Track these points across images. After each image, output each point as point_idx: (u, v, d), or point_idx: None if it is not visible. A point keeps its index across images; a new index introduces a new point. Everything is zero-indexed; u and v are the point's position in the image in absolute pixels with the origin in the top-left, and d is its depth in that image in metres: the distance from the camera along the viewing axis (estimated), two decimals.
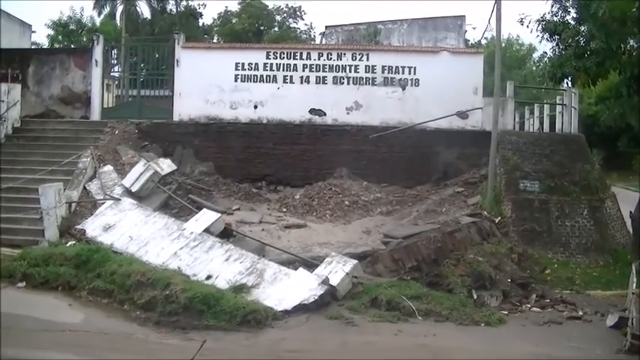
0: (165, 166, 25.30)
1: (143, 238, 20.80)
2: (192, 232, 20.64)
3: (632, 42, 24.07)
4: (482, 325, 17.39)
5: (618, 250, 25.48)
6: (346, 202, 26.94)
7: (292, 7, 79.79)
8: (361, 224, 25.07)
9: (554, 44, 25.28)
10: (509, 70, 71.65)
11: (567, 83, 28.24)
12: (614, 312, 18.14)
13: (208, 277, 18.52)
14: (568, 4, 24.59)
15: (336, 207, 26.68)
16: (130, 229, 21.34)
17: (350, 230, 24.36)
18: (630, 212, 24.58)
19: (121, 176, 24.98)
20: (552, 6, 24.67)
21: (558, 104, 32.41)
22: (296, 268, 18.95)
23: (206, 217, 21.40)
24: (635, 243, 23.70)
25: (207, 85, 30.58)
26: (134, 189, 23.82)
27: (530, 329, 17.51)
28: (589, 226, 25.30)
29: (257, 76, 30.59)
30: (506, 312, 18.75)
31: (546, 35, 25.11)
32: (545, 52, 26.78)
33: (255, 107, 30.39)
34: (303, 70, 30.49)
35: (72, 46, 63.50)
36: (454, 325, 17.21)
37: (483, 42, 60.88)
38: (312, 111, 30.17)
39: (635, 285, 16.57)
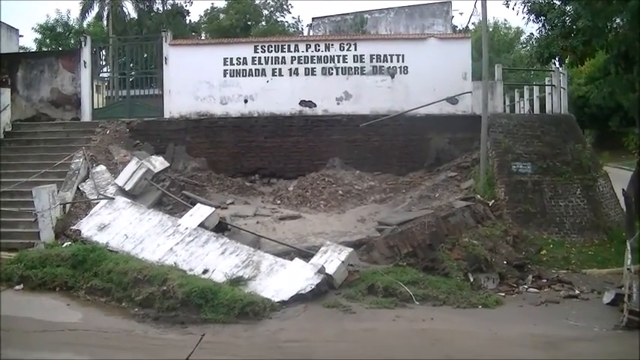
0: (158, 163, 25.24)
1: (138, 235, 20.80)
2: (187, 228, 20.64)
3: (618, 20, 24.06)
4: (480, 307, 17.49)
5: (613, 228, 25.65)
6: (340, 192, 26.97)
7: (279, 0, 79.77)
8: (355, 213, 25.10)
9: (541, 25, 25.25)
10: (497, 54, 71.70)
11: (555, 64, 28.24)
12: (610, 289, 18.28)
13: (205, 272, 18.54)
14: None
15: (329, 197, 26.71)
16: (125, 227, 21.33)
17: (344, 219, 24.38)
18: (623, 190, 24.58)
19: (114, 175, 24.96)
20: None
21: (547, 85, 32.50)
22: (292, 259, 18.98)
23: (200, 212, 21.41)
24: (628, 220, 23.76)
25: (196, 81, 30.48)
26: (127, 187, 23.79)
27: (528, 309, 17.61)
28: (583, 205, 25.48)
29: (246, 70, 30.48)
30: (504, 294, 18.86)
31: (532, 16, 25.07)
32: (532, 34, 26.69)
33: (246, 101, 30.31)
34: (292, 63, 30.40)
35: (60, 48, 63.35)
36: (451, 308, 17.28)
37: (471, 27, 61.02)
38: (302, 103, 30.09)
39: (630, 262, 16.62)
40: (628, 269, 16.56)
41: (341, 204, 26.36)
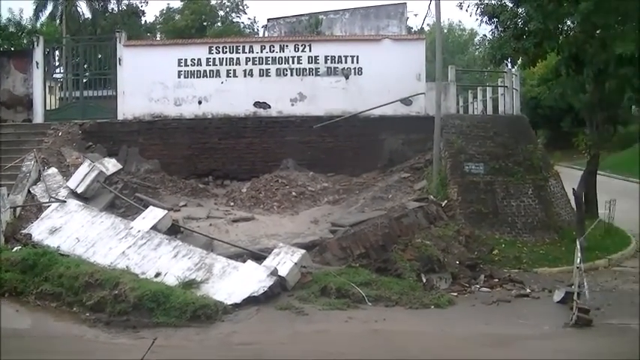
0: (111, 165, 25.04)
1: (90, 239, 20.53)
2: (139, 231, 20.46)
3: (568, 22, 24.44)
4: (432, 307, 17.56)
5: (563, 227, 25.99)
6: (293, 193, 26.93)
7: (235, 1, 79.61)
8: (309, 214, 25.08)
9: (493, 27, 25.72)
10: (452, 56, 72.30)
11: (508, 65, 28.56)
12: (560, 288, 18.51)
13: (157, 275, 18.40)
14: None
15: (283, 198, 26.65)
16: (77, 230, 21.05)
17: (298, 221, 24.36)
18: (573, 189, 25.04)
19: (66, 178, 24.67)
20: None
21: (500, 86, 32.68)
22: (244, 261, 18.93)
23: (153, 214, 21.25)
24: (578, 219, 24.17)
25: (150, 82, 30.25)
26: (80, 190, 23.54)
27: (480, 309, 17.75)
28: (534, 205, 25.71)
29: (200, 71, 30.34)
30: (456, 293, 18.97)
31: (485, 18, 25.52)
32: (485, 35, 27.07)
33: (200, 103, 30.18)
34: (246, 64, 30.31)
35: (12, 48, 62.57)
36: (404, 309, 17.34)
37: (426, 28, 61.42)
38: (257, 104, 30.03)
39: (579, 260, 16.85)
40: (578, 267, 16.77)
41: (294, 205, 26.32)
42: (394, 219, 21.30)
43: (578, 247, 17.34)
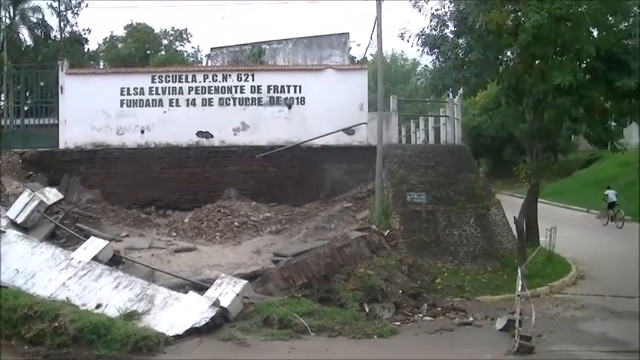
0: (52, 195, 24.67)
1: (30, 270, 20.14)
2: (80, 261, 20.15)
3: (508, 53, 24.79)
4: (375, 337, 17.56)
5: (505, 256, 26.28)
6: (236, 223, 26.85)
7: (178, 30, 79.43)
8: (251, 244, 25.04)
9: (435, 57, 25.88)
10: (394, 85, 72.82)
11: (449, 95, 28.86)
12: (502, 315, 18.69)
13: (98, 306, 18.13)
14: (446, 18, 25.19)
15: (225, 228, 26.56)
16: (16, 261, 20.60)
17: (240, 251, 24.29)
18: (515, 218, 25.29)
19: (6, 208, 24.20)
20: (431, 20, 25.22)
21: (442, 116, 33.00)
22: (187, 292, 18.77)
23: (94, 244, 20.97)
24: (520, 247, 24.45)
25: (92, 111, 29.97)
26: (19, 220, 23.10)
27: (423, 338, 17.81)
28: (476, 233, 25.90)
29: (143, 100, 30.19)
30: (399, 323, 19.00)
31: (426, 49, 25.68)
32: (427, 66, 27.29)
33: (142, 132, 29.99)
34: (189, 93, 30.23)
35: None
36: (347, 339, 17.29)
37: (369, 58, 61.78)
38: (200, 133, 29.93)
39: (521, 288, 17.01)
40: (519, 295, 16.93)
41: (237, 235, 26.23)
42: (337, 249, 21.34)
43: (520, 274, 17.53)
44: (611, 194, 44.64)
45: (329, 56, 45.72)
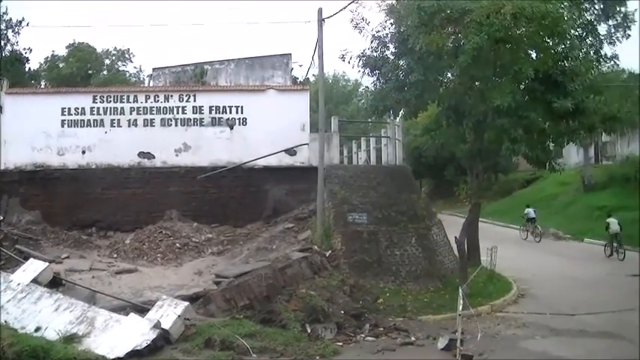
0: None
1: None
2: (19, 284, 19.83)
3: (448, 74, 25.00)
4: (318, 358, 17.55)
5: (447, 275, 26.44)
6: (177, 245, 26.74)
7: (121, 49, 78.85)
8: (193, 266, 24.97)
9: (376, 78, 25.96)
10: (336, 106, 72.89)
11: (390, 116, 29.01)
12: (444, 335, 18.76)
13: (37, 329, 17.87)
14: (387, 40, 25.29)
15: (167, 250, 26.44)
16: None
17: (182, 272, 24.21)
18: (456, 238, 25.48)
19: None
20: (372, 42, 25.31)
21: (383, 137, 33.19)
22: (127, 314, 18.59)
23: (33, 267, 20.66)
24: (461, 267, 24.61)
25: (33, 131, 29.65)
26: None
27: (365, 358, 17.83)
28: (417, 253, 26.04)
29: (84, 120, 29.95)
30: (341, 343, 18.98)
31: (367, 70, 25.77)
32: (368, 87, 27.37)
33: (83, 152, 29.75)
34: (131, 114, 30.09)
35: None
36: None
37: (311, 79, 61.92)
38: (141, 154, 29.78)
39: (462, 307, 17.12)
40: (460, 315, 17.05)
41: (178, 257, 26.12)
42: (278, 270, 21.34)
43: (461, 294, 17.66)
44: (530, 211, 46.25)
45: (271, 77, 45.80)
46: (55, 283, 20.87)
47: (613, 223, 36.78)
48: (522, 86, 23.87)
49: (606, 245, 37.29)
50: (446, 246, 28.74)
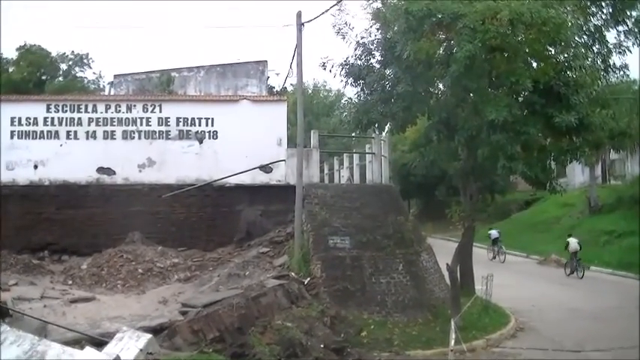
0: None
1: None
2: None
3: (439, 85, 25.03)
4: None
5: (437, 306, 26.35)
6: (140, 270, 26.67)
7: (79, 54, 78.48)
8: (157, 294, 24.88)
9: (360, 89, 25.92)
10: (316, 119, 72.93)
11: (375, 130, 28.96)
12: None
13: None
14: (372, 47, 25.28)
15: (128, 276, 26.36)
16: None
17: (144, 301, 24.11)
18: (447, 264, 25.45)
19: None
20: (356, 49, 25.29)
21: (368, 153, 33.22)
22: (83, 348, 18.47)
23: None
24: (453, 297, 24.57)
25: None
26: None
27: None
28: (405, 281, 26.04)
29: (37, 132, 29.94)
30: None
31: (351, 80, 25.71)
32: (351, 98, 27.23)
33: (36, 167, 29.71)
34: (89, 125, 30.07)
35: None
36: None
37: (289, 88, 61.99)
38: (100, 170, 29.76)
39: (454, 342, 17.14)
40: (452, 350, 17.08)
41: (141, 284, 26.05)
42: (252, 299, 21.32)
43: (454, 326, 17.70)
44: (494, 233, 49.80)
45: (245, 86, 45.96)
46: (1, 314, 20.76)
47: (572, 242, 41.44)
48: (520, 99, 23.88)
49: (566, 264, 41.90)
50: (436, 273, 28.76)
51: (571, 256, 42.03)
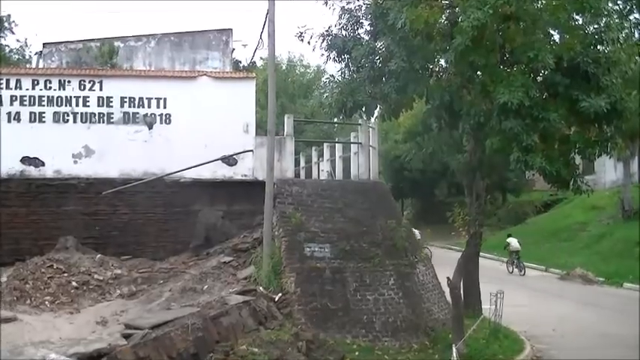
0: None
1: None
2: None
3: (441, 61, 24.95)
4: None
5: (436, 329, 26.46)
6: (74, 284, 26.52)
7: None
8: (95, 312, 24.76)
9: (344, 65, 25.82)
10: (292, 101, 72.65)
11: (362, 115, 28.80)
12: None
13: None
14: (360, 14, 25.21)
15: (59, 290, 26.20)
16: None
17: (79, 321, 23.98)
18: (448, 279, 25.35)
19: None
20: (341, 16, 25.20)
21: (353, 143, 33.20)
22: None
23: None
24: (455, 318, 24.53)
25: None
26: None
27: None
28: (397, 299, 26.12)
29: None
30: None
31: (333, 54, 25.60)
32: (333, 76, 27.08)
33: None
34: (12, 104, 29.69)
35: None
36: None
37: (258, 63, 61.86)
38: (26, 160, 29.45)
39: None
40: None
41: (75, 300, 25.89)
42: (210, 319, 21.33)
43: (455, 355, 17.76)
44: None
45: (205, 60, 45.83)
46: None
47: (513, 241, 47.74)
48: (539, 78, 23.88)
49: (507, 262, 48.43)
50: (435, 289, 28.82)
51: (511, 255, 49.65)
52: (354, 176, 32.21)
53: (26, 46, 76.84)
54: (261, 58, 61.84)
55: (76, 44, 48.79)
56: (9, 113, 29.49)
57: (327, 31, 25.18)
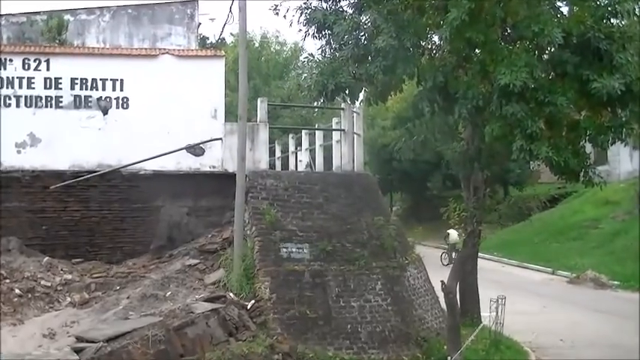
0: None
1: None
2: None
3: (434, 37, 24.89)
4: None
5: (429, 339, 26.45)
6: (17, 291, 26.41)
7: None
8: (41, 323, 24.65)
9: (324, 42, 25.72)
10: (266, 82, 72.61)
11: (346, 99, 28.70)
12: None
13: None
14: None
15: (0, 299, 26.15)
16: None
17: (23, 334, 23.87)
18: (442, 283, 25.29)
19: None
20: None
21: (335, 130, 33.23)
22: None
23: None
24: (451, 327, 24.51)
25: None
26: None
27: None
28: (385, 305, 26.16)
29: None
30: None
31: (312, 29, 25.51)
32: (312, 55, 27.01)
33: None
34: None
35: None
36: None
37: (228, 40, 61.74)
38: None
39: None
40: None
41: (18, 309, 25.77)
42: (174, 329, 21.31)
43: None
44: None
45: (167, 36, 45.61)
46: None
47: (453, 233, 48.49)
48: (545, 56, 23.81)
49: (443, 254, 50.91)
50: (428, 294, 28.87)
51: (450, 247, 51.12)
52: (336, 167, 32.17)
53: None
54: (231, 34, 61.81)
55: (18, 17, 48.59)
56: None
57: (305, 3, 25.02)
